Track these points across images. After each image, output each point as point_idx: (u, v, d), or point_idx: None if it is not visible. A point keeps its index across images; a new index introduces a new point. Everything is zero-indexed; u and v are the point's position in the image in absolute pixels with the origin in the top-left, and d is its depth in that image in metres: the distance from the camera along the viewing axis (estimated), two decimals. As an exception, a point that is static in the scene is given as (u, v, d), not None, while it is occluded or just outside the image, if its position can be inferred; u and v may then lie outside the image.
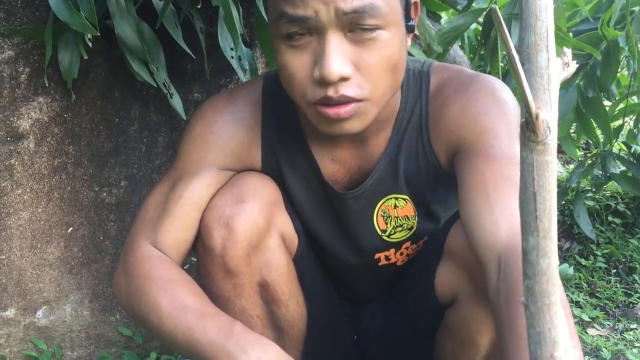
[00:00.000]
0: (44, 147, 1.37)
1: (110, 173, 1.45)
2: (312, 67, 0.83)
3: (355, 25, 0.81)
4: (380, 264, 1.05)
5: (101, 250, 1.45)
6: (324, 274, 1.10)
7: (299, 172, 1.00)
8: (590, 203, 2.20)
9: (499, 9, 1.55)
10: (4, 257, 1.37)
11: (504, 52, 1.78)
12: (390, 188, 0.98)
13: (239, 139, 0.98)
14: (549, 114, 0.45)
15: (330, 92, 0.82)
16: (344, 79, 0.81)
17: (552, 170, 0.46)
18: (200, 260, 0.99)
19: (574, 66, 0.48)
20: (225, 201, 0.95)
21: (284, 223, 1.00)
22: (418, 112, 0.95)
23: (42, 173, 1.37)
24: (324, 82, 0.81)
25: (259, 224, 0.95)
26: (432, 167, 0.96)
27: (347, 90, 0.82)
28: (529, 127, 0.45)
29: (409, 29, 0.87)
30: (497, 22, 0.39)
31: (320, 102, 0.83)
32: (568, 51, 0.48)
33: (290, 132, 0.91)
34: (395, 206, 1.00)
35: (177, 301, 0.86)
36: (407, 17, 0.87)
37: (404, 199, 1.00)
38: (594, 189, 2.26)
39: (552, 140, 0.46)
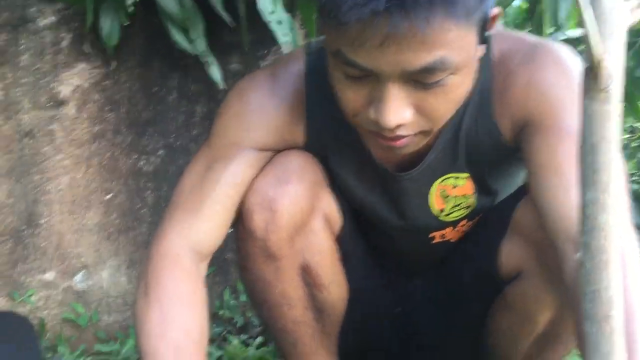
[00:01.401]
0: (84, 113, 1.39)
1: (148, 141, 1.45)
2: (369, 104, 0.77)
3: (421, 79, 0.74)
4: (434, 242, 1.03)
5: (138, 218, 1.46)
6: (369, 252, 1.08)
7: (347, 151, 0.96)
8: (635, 186, 2.13)
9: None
10: (44, 221, 1.39)
11: (550, 29, 1.73)
12: (449, 167, 0.94)
13: (281, 118, 0.93)
14: (613, 61, 0.43)
15: (386, 132, 0.78)
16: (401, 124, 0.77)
17: (614, 120, 0.43)
18: (240, 242, 0.97)
19: (639, 13, 0.45)
20: (268, 182, 0.92)
21: (329, 204, 0.98)
22: (481, 86, 0.90)
23: (82, 139, 1.39)
24: (379, 126, 0.77)
25: (302, 206, 0.93)
26: (496, 143, 0.91)
27: (405, 130, 0.78)
28: (591, 73, 0.43)
29: (483, 40, 0.79)
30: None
31: (373, 132, 0.80)
32: (635, -4, 0.45)
33: (336, 111, 0.88)
34: (454, 185, 0.96)
35: (162, 326, 0.82)
36: (481, 36, 0.78)
37: (464, 178, 0.96)
38: (639, 173, 2.20)
39: (614, 88, 0.43)
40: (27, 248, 1.39)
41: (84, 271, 1.44)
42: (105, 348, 1.36)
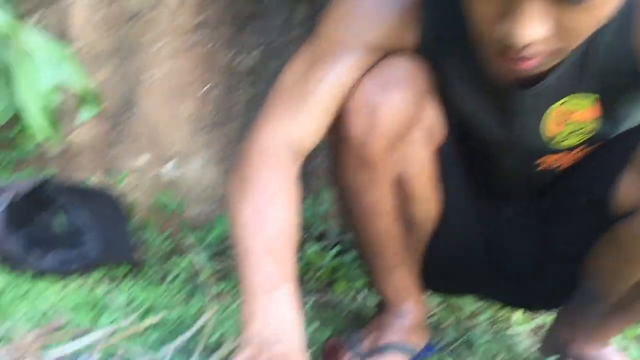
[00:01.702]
0: (187, 3, 1.36)
1: (247, 38, 1.43)
2: (500, 17, 0.70)
3: None
4: (540, 168, 0.96)
5: (232, 113, 1.46)
6: (466, 172, 1.03)
7: (461, 60, 0.89)
8: None
9: None
10: (141, 106, 1.41)
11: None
12: (575, 87, 0.86)
13: (395, 18, 0.87)
14: None
15: (514, 51, 0.71)
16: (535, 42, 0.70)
17: None
18: (334, 147, 0.94)
19: None
20: (373, 87, 0.87)
21: (433, 115, 0.92)
22: (622, 9, 0.80)
23: (183, 29, 1.38)
24: (508, 43, 0.71)
25: (405, 114, 0.88)
26: (630, 70, 0.83)
27: (539, 48, 0.71)
28: None
29: None
30: None
31: (502, 51, 0.73)
32: None
33: (455, 16, 0.81)
34: (575, 109, 0.88)
35: (257, 221, 0.80)
36: None
37: (589, 101, 0.88)
38: None
39: None
40: (123, 131, 1.42)
41: (174, 160, 1.46)
42: (190, 236, 1.40)
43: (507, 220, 1.07)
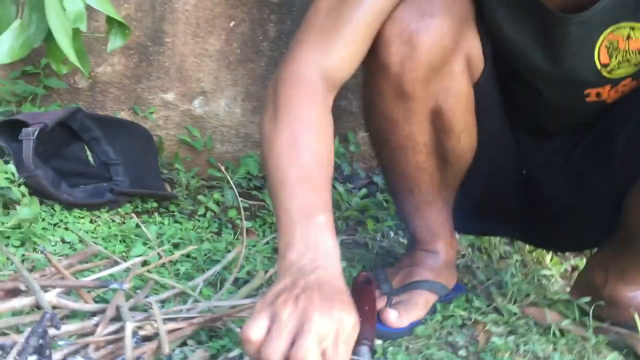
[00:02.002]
0: None
1: (277, -30, 1.38)
2: None
3: None
4: (587, 99, 0.92)
5: (259, 50, 1.43)
6: (506, 105, 0.99)
7: None
8: None
9: None
10: (169, 40, 1.38)
11: None
12: (628, 14, 0.81)
13: None
14: None
15: None
16: None
17: None
18: (371, 76, 0.90)
19: None
20: (411, 13, 0.83)
21: (473, 44, 0.88)
22: None
23: (211, -41, 1.33)
24: None
25: (445, 43, 0.84)
26: None
27: None
28: None
29: None
30: None
31: None
32: None
33: None
34: (629, 37, 0.84)
35: (293, 150, 0.78)
36: None
37: None
38: None
39: None
40: (151, 65, 1.40)
41: (202, 97, 1.44)
42: (217, 173, 1.39)
43: (547, 156, 1.03)
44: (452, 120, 0.92)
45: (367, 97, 0.95)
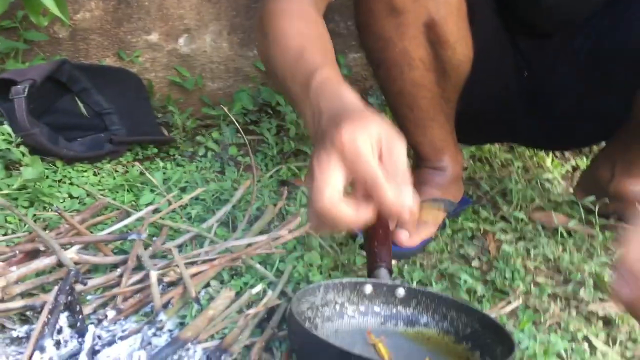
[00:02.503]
0: None
1: None
2: None
3: None
4: None
5: (239, -21, 1.38)
6: (502, 9, 0.97)
7: None
8: None
9: None
10: (145, -22, 1.33)
11: None
12: None
13: None
14: None
15: None
16: None
17: None
18: None
19: None
20: None
21: None
22: None
23: None
24: None
25: None
26: None
27: None
28: None
29: None
30: None
31: None
32: None
33: None
34: None
35: (284, 39, 0.76)
36: None
37: None
38: None
39: None
40: (131, 6, 1.35)
41: (186, 35, 1.40)
42: (212, 112, 1.37)
43: (548, 57, 1.02)
44: (445, 31, 0.90)
45: (360, 18, 0.93)
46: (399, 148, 0.59)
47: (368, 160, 0.57)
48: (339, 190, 0.57)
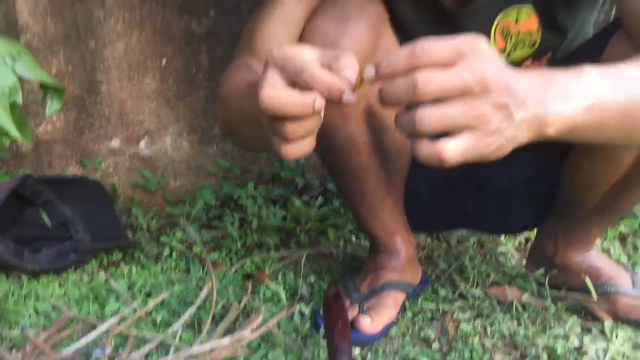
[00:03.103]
0: (131, -26, 1.33)
1: (198, 2, 1.40)
2: None
3: None
4: None
5: (195, 83, 1.45)
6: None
7: None
8: None
9: None
10: (104, 88, 1.39)
11: None
12: None
13: None
14: None
15: None
16: None
17: None
18: None
19: None
20: (328, 22, 0.88)
21: (390, 41, 0.94)
22: None
23: (132, 2, 1.34)
24: None
25: (364, 44, 0.89)
26: None
27: None
28: None
29: None
30: None
31: None
32: None
33: None
34: (517, 20, 0.91)
35: (235, 80, 0.83)
36: None
37: (528, 10, 0.91)
38: None
39: None
40: (91, 116, 1.40)
41: (147, 137, 1.46)
42: (175, 210, 1.41)
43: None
44: (384, 117, 0.97)
45: None
46: (340, 54, 0.58)
47: (296, 54, 0.57)
48: (278, 82, 0.57)
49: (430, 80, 0.52)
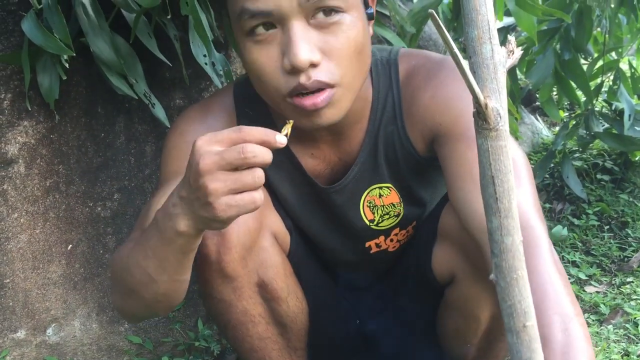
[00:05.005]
0: (34, 169, 1.40)
1: (102, 187, 1.47)
2: (281, 59, 0.84)
3: (317, 10, 0.83)
4: (372, 251, 1.09)
5: (102, 263, 1.48)
6: (320, 266, 1.14)
7: (283, 171, 1.02)
8: (578, 163, 2.23)
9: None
10: (8, 280, 1.39)
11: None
12: (373, 178, 1.01)
13: None
14: (498, 102, 0.48)
15: (303, 79, 0.84)
16: (313, 65, 0.83)
17: (506, 154, 0.49)
18: (198, 269, 1.01)
19: (518, 53, 0.51)
20: None
21: (275, 222, 1.03)
22: (391, 102, 0.97)
23: (35, 195, 1.40)
24: (294, 71, 0.83)
25: (250, 226, 0.98)
26: (410, 155, 0.99)
27: (318, 75, 0.84)
28: (480, 116, 0.48)
29: (369, 17, 0.89)
30: (436, 24, 0.41)
31: (294, 92, 0.85)
32: (512, 39, 0.51)
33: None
34: (380, 195, 1.03)
35: (129, 247, 0.91)
36: (366, 4, 0.89)
37: (388, 188, 1.03)
38: (580, 149, 2.29)
39: (503, 125, 0.49)
40: (-5, 309, 1.39)
41: (54, 324, 1.45)
42: (86, 397, 1.38)
43: (369, 306, 1.18)
44: (276, 288, 1.03)
45: (201, 289, 1.05)
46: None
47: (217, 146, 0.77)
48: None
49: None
